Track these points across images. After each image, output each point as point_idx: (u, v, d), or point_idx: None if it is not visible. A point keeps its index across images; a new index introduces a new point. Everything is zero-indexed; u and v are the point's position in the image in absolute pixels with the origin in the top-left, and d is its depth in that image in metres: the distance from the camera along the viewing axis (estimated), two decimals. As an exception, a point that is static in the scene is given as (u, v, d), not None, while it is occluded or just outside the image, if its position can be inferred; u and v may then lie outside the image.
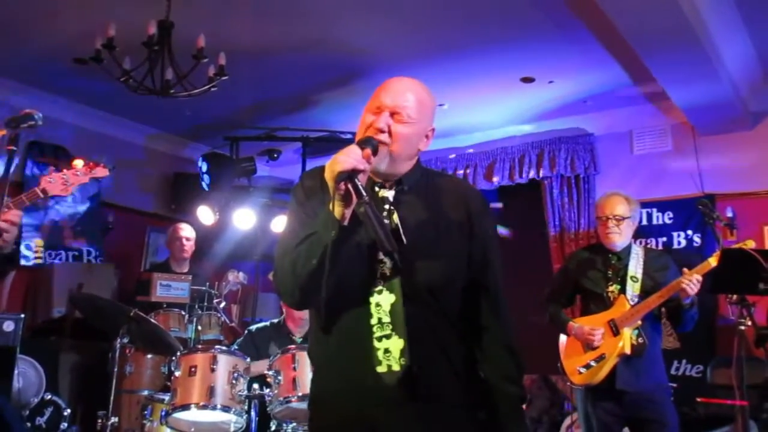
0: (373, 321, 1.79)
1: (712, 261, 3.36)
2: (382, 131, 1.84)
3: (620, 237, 3.63)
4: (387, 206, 1.86)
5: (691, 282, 3.34)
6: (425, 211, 1.90)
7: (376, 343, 1.78)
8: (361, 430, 1.81)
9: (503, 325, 1.93)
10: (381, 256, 1.80)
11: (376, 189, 1.89)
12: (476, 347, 1.92)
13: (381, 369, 1.77)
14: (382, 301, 1.79)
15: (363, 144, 1.79)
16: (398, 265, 1.77)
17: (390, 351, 1.77)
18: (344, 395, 1.84)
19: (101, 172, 3.03)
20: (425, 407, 1.79)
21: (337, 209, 1.71)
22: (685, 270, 3.41)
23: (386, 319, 1.78)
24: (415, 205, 1.89)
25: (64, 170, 2.86)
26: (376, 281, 1.80)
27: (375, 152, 1.79)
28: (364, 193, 1.69)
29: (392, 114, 1.86)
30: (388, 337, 1.78)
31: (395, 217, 1.84)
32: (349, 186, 1.69)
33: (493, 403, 1.86)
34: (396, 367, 1.76)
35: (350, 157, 1.71)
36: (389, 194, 1.90)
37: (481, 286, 1.92)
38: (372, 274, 1.81)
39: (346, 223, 1.72)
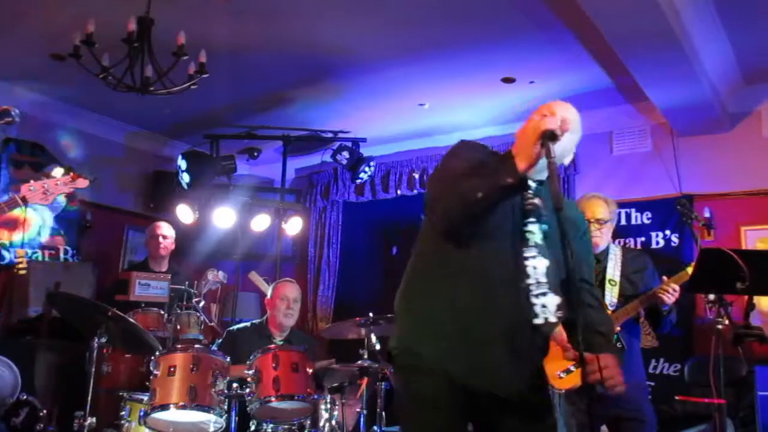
0: (531, 281, 2.11)
1: (690, 270, 3.38)
2: (558, 133, 2.06)
3: (602, 240, 3.64)
4: (531, 192, 2.16)
5: (668, 291, 3.37)
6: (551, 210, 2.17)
7: (534, 300, 2.10)
8: (501, 366, 2.11)
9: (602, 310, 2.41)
10: (530, 227, 2.14)
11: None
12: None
13: (538, 321, 2.10)
14: (538, 264, 2.12)
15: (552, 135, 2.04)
16: (555, 230, 2.08)
17: (546, 306, 2.11)
18: (490, 336, 2.11)
19: (82, 183, 3.01)
20: (540, 359, 2.24)
21: (523, 163, 1.97)
22: (665, 278, 3.43)
23: (543, 279, 2.11)
24: (547, 202, 2.16)
25: (45, 180, 2.84)
26: (529, 247, 2.13)
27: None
28: (554, 154, 1.94)
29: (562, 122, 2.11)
30: (544, 294, 2.11)
31: (537, 200, 2.16)
32: (544, 147, 1.94)
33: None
34: (552, 319, 2.11)
35: (556, 122, 2.00)
36: (533, 185, 2.18)
37: (586, 281, 2.35)
38: (522, 239, 2.13)
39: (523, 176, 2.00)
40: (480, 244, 2.12)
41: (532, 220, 2.14)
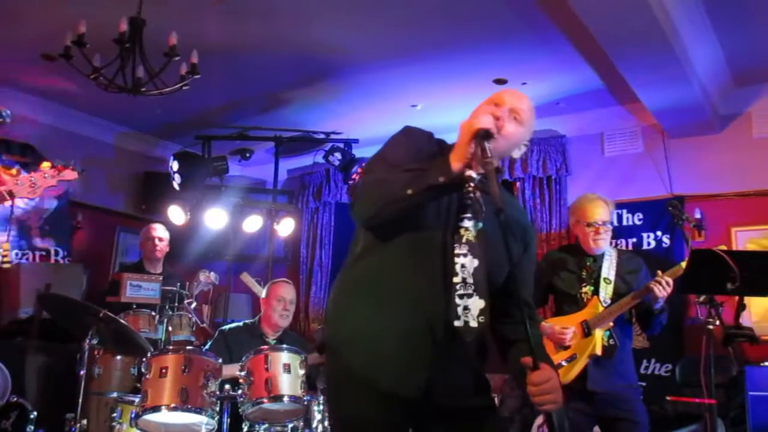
0: (457, 280, 1.96)
1: (684, 265, 3.39)
2: (498, 119, 2.00)
3: (606, 243, 3.66)
4: (472, 185, 1.97)
5: (662, 285, 3.38)
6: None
7: (457, 300, 1.96)
8: (416, 366, 1.96)
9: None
10: (465, 223, 2.00)
11: (467, 171, 1.98)
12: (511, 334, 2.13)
13: (458, 323, 1.95)
14: (467, 264, 1.97)
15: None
16: (485, 233, 1.97)
17: (469, 309, 1.96)
18: (406, 336, 1.97)
19: (70, 175, 2.98)
20: (476, 364, 2.07)
21: (457, 162, 1.87)
22: (659, 272, 3.44)
23: (470, 280, 1.96)
24: (489, 200, 1.99)
25: (32, 173, 2.81)
26: (461, 245, 1.98)
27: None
28: (490, 154, 1.85)
29: (510, 113, 2.04)
30: (469, 296, 1.96)
31: (478, 195, 1.99)
32: (480, 145, 1.86)
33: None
34: (474, 324, 1.95)
35: (489, 120, 1.92)
36: (475, 176, 2.00)
37: (522, 299, 2.09)
38: (455, 236, 1.99)
39: (456, 176, 1.88)
40: (406, 237, 2.00)
41: (468, 215, 2.00)
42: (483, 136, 1.87)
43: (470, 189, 1.95)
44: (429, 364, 1.96)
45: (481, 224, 1.98)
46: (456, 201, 2.00)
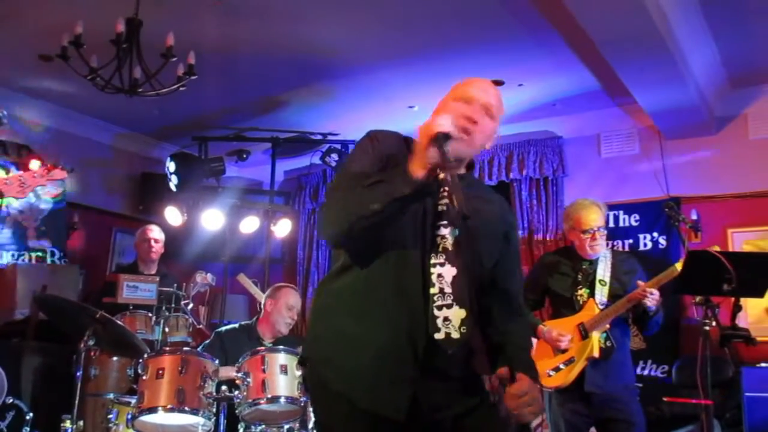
0: (434, 290, 1.87)
1: (679, 266, 3.40)
2: (474, 122, 1.94)
3: (603, 247, 3.68)
4: (446, 188, 1.92)
5: (646, 296, 3.39)
6: (478, 204, 1.99)
7: (436, 311, 1.87)
8: (398, 384, 1.88)
9: (526, 321, 2.16)
10: (442, 231, 1.90)
11: (440, 174, 1.93)
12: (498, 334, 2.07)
13: (439, 336, 1.86)
14: (445, 273, 1.88)
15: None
16: (464, 237, 1.88)
17: (450, 320, 1.87)
18: (385, 352, 1.89)
19: (59, 174, 2.96)
20: (461, 376, 1.95)
21: (419, 170, 1.79)
22: (639, 283, 3.46)
23: (448, 290, 1.87)
24: (468, 196, 1.94)
25: (22, 172, 2.80)
26: (437, 254, 1.89)
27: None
28: (450, 159, 1.79)
29: (481, 108, 1.97)
30: (449, 306, 1.87)
31: (454, 198, 1.92)
32: (439, 150, 1.77)
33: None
34: (456, 335, 1.86)
35: (448, 122, 1.82)
36: (449, 179, 1.96)
37: (509, 291, 2.10)
38: (432, 244, 1.90)
39: (420, 184, 1.80)
40: (382, 250, 1.91)
41: (444, 222, 1.90)
42: (441, 139, 1.77)
43: (444, 194, 1.89)
44: (411, 382, 1.87)
45: (458, 231, 1.89)
46: (431, 208, 1.91)
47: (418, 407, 1.88)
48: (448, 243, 1.90)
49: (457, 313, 1.87)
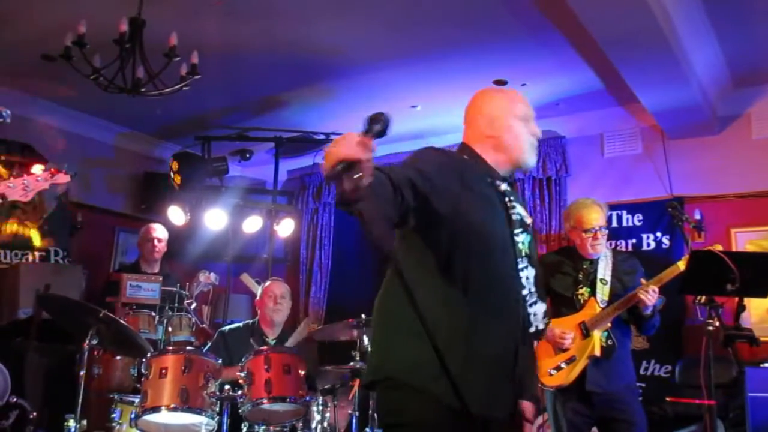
0: (525, 291, 2.12)
1: (681, 265, 3.40)
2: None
3: (604, 247, 3.68)
4: (508, 198, 2.17)
5: (647, 293, 3.39)
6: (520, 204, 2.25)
7: (530, 309, 2.12)
8: (506, 387, 2.07)
9: None
10: (519, 237, 2.13)
11: (497, 183, 2.18)
12: None
13: (532, 330, 2.13)
14: (529, 275, 2.14)
15: None
16: (532, 243, 2.16)
17: (537, 314, 2.14)
18: (504, 354, 2.06)
19: (62, 178, 2.96)
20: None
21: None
22: (642, 281, 3.46)
23: (533, 288, 2.14)
24: (515, 197, 2.23)
25: (25, 175, 2.80)
26: (521, 258, 2.13)
27: None
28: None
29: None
30: (535, 303, 2.14)
31: (519, 207, 2.19)
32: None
33: None
34: (541, 326, 2.15)
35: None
36: (505, 187, 2.21)
37: None
38: (515, 249, 2.13)
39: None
40: (481, 261, 2.03)
41: (519, 230, 2.14)
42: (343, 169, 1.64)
43: (510, 203, 2.15)
44: (513, 380, 2.08)
45: (529, 236, 2.15)
46: (506, 216, 2.13)
47: (508, 406, 2.10)
48: (526, 247, 2.14)
49: (540, 308, 2.15)
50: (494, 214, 2.10)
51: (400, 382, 1.96)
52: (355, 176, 1.52)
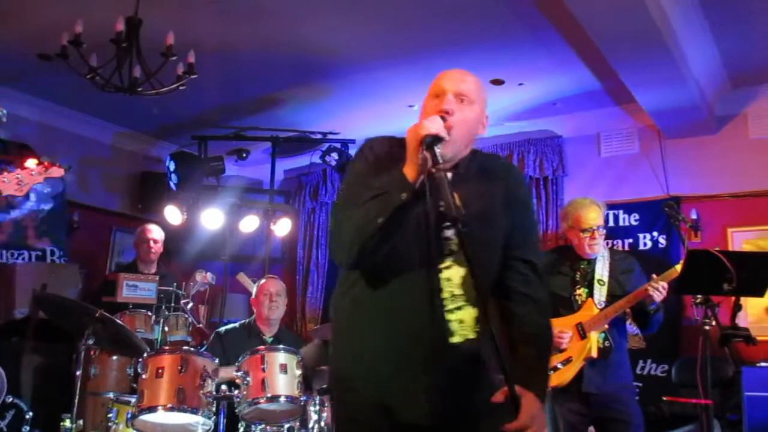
0: (445, 295, 1.86)
1: (678, 268, 3.40)
2: (447, 113, 1.89)
3: (600, 246, 3.67)
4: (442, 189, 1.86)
5: (658, 289, 3.39)
6: (478, 193, 1.95)
7: (449, 316, 1.85)
8: (423, 394, 1.85)
9: (545, 298, 2.04)
10: (447, 233, 1.87)
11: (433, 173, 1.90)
12: (514, 313, 1.99)
13: (455, 339, 1.85)
14: (453, 275, 1.87)
15: (442, 118, 1.86)
16: (464, 237, 1.76)
17: (464, 321, 1.86)
18: (405, 362, 1.86)
19: (57, 172, 2.95)
20: (482, 373, 1.90)
21: (412, 173, 1.79)
22: (654, 276, 3.45)
23: (458, 291, 1.86)
24: (469, 187, 1.93)
25: (19, 170, 2.79)
26: (443, 257, 1.87)
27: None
28: (440, 160, 1.75)
29: (455, 97, 1.93)
30: (460, 308, 1.86)
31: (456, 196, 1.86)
32: (429, 152, 1.76)
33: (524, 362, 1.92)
34: (471, 335, 1.86)
35: (435, 124, 1.80)
36: (447, 175, 1.92)
37: (523, 260, 2.00)
38: (438, 248, 1.87)
39: (417, 187, 1.79)
40: (392, 262, 1.86)
41: (447, 224, 1.85)
42: (430, 142, 1.76)
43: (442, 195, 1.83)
44: (434, 387, 1.86)
45: (465, 228, 1.79)
46: (433, 211, 1.85)
47: (444, 412, 1.87)
48: (454, 244, 1.87)
49: (470, 313, 1.86)
50: (414, 203, 1.82)
51: None
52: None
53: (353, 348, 1.97)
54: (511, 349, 1.96)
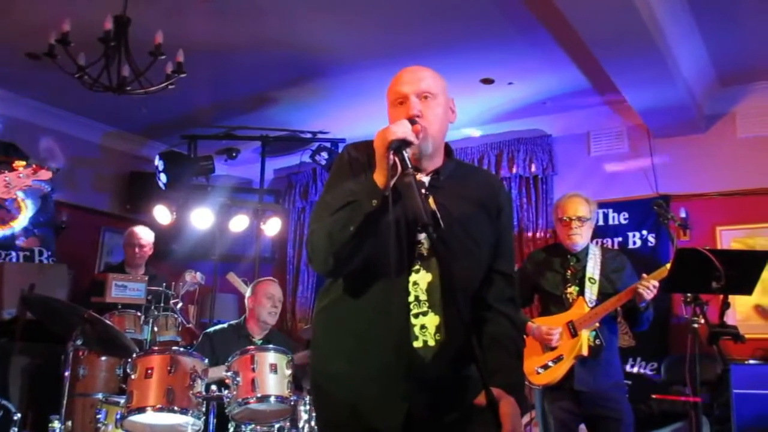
0: (411, 299, 1.86)
1: (668, 267, 3.41)
2: (418, 116, 1.89)
3: (581, 238, 3.67)
4: (423, 190, 1.86)
5: (648, 287, 3.40)
6: (458, 199, 1.95)
7: (413, 320, 1.85)
8: (392, 400, 1.85)
9: (517, 310, 2.07)
10: (419, 237, 1.87)
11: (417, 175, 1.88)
12: (488, 322, 1.98)
13: (417, 344, 1.84)
14: (420, 280, 1.87)
15: (412, 122, 1.85)
16: (435, 243, 1.76)
17: (426, 327, 1.85)
18: (376, 365, 1.86)
19: (45, 174, 2.93)
20: (452, 380, 1.88)
21: (381, 179, 1.77)
22: (644, 275, 3.46)
23: (423, 297, 1.86)
24: (449, 193, 1.95)
25: (6, 172, 2.77)
26: (414, 260, 1.87)
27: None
28: (410, 165, 1.73)
29: (418, 98, 1.92)
30: (424, 314, 1.86)
31: (431, 201, 1.87)
32: (397, 157, 1.74)
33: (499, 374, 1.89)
34: (431, 343, 1.85)
35: (403, 128, 1.79)
36: (425, 179, 1.96)
37: (500, 272, 2.02)
38: (409, 253, 1.87)
39: (387, 194, 1.74)
40: (366, 268, 1.87)
41: (418, 228, 1.84)
42: (397, 147, 1.74)
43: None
44: (405, 395, 1.84)
45: (434, 234, 1.74)
46: (404, 217, 1.85)
47: (414, 419, 1.85)
48: (424, 248, 1.88)
49: (432, 320, 1.85)
50: (386, 209, 1.76)
51: None
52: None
53: (328, 353, 1.99)
54: (485, 353, 1.95)
